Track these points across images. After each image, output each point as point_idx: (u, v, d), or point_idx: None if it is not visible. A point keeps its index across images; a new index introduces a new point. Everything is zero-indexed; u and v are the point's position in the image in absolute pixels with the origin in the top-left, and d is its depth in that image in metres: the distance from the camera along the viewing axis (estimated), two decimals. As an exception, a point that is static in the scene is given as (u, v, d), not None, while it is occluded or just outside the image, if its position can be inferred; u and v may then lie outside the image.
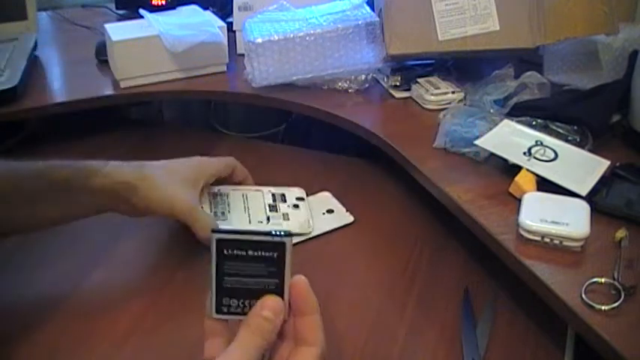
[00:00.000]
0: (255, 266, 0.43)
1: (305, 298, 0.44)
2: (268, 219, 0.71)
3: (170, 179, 0.66)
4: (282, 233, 0.43)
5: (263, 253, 0.43)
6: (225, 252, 0.43)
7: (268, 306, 0.43)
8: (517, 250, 0.58)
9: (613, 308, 0.51)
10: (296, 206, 0.74)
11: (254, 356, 0.42)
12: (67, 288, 0.65)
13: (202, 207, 0.70)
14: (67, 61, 1.04)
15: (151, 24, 0.93)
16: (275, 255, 0.43)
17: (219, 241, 0.43)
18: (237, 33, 1.00)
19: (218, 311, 0.45)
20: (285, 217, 0.72)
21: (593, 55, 0.85)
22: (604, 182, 0.65)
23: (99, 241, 0.72)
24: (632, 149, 0.74)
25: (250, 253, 0.43)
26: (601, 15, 0.79)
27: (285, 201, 0.74)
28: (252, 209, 0.73)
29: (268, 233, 0.43)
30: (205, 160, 0.73)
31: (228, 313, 0.45)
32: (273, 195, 0.75)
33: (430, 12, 0.81)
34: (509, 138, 0.71)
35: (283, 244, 0.43)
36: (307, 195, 0.78)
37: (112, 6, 1.24)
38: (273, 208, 0.73)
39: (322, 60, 0.87)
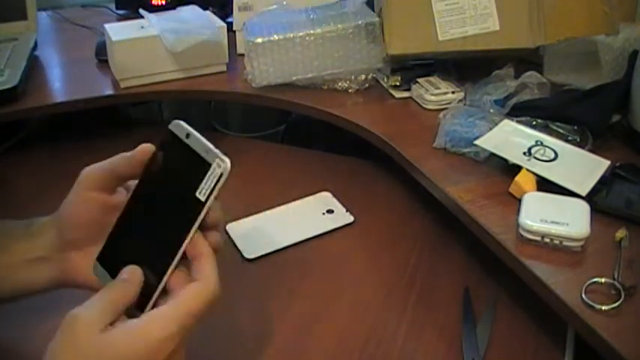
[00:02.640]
0: None
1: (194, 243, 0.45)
2: None
3: None
4: None
5: None
6: None
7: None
8: (517, 250, 0.58)
9: (613, 308, 0.51)
10: None
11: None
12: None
13: None
14: (67, 61, 1.04)
15: (151, 24, 0.93)
16: None
17: None
18: (237, 33, 1.00)
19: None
20: None
21: (593, 55, 0.85)
22: (604, 182, 0.65)
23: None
24: (632, 149, 0.74)
25: None
26: (601, 15, 0.79)
27: None
28: None
29: None
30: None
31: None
32: None
33: (430, 12, 0.81)
34: (509, 138, 0.71)
35: None
36: (307, 195, 0.77)
37: (112, 6, 1.24)
38: None
39: (322, 60, 0.87)
